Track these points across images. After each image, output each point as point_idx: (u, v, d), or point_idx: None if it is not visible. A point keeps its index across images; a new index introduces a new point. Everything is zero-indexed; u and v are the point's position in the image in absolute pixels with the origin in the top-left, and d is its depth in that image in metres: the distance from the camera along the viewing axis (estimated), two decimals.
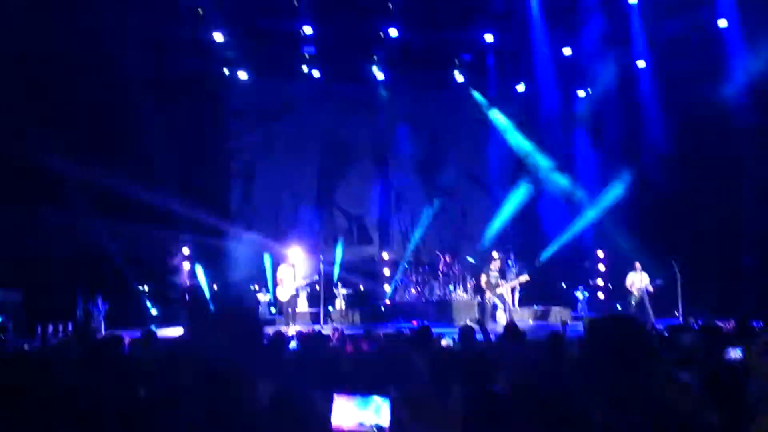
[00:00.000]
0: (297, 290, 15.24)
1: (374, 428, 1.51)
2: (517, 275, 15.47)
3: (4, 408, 2.09)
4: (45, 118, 13.58)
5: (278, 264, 15.77)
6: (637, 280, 14.36)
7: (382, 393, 1.51)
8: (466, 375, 3.09)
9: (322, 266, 15.82)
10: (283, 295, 14.76)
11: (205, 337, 2.06)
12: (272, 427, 1.46)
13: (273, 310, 16.75)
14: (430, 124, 19.57)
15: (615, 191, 17.00)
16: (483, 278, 14.57)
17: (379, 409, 1.51)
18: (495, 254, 15.16)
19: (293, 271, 14.97)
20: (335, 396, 1.57)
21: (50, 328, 13.26)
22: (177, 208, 15.71)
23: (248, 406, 1.80)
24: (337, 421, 1.54)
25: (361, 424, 1.53)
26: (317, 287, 16.16)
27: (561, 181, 18.52)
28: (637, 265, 14.43)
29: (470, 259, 17.43)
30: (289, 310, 14.64)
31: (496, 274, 14.60)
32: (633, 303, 14.23)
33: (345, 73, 18.31)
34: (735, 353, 4.43)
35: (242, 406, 1.77)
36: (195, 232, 16.95)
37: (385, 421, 1.48)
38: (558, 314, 15.30)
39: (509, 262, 16.72)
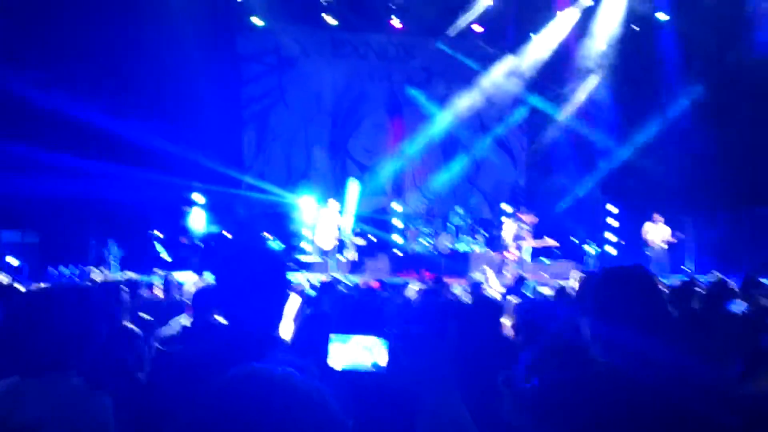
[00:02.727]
0: (341, 241, 14.36)
1: (371, 367, 1.52)
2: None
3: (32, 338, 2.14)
4: (55, 59, 13.55)
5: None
6: (653, 231, 14.00)
7: (380, 333, 1.52)
8: (471, 321, 3.15)
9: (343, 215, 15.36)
10: (323, 242, 14.04)
11: (227, 281, 2.10)
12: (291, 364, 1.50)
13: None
14: (445, 74, 19.30)
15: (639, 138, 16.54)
16: (511, 227, 14.35)
17: (377, 349, 1.52)
18: (523, 209, 15.05)
19: (336, 217, 14.26)
20: (332, 336, 1.57)
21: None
22: (189, 156, 15.70)
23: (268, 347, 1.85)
24: (333, 361, 1.55)
25: (358, 363, 1.54)
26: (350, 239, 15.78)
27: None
28: (656, 216, 14.04)
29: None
30: (327, 259, 13.76)
31: (528, 227, 14.37)
32: (649, 255, 13.87)
33: (362, 22, 18.06)
34: (738, 306, 4.46)
35: (262, 348, 1.82)
36: (208, 180, 16.96)
37: (383, 360, 1.50)
38: (566, 268, 15.19)
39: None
